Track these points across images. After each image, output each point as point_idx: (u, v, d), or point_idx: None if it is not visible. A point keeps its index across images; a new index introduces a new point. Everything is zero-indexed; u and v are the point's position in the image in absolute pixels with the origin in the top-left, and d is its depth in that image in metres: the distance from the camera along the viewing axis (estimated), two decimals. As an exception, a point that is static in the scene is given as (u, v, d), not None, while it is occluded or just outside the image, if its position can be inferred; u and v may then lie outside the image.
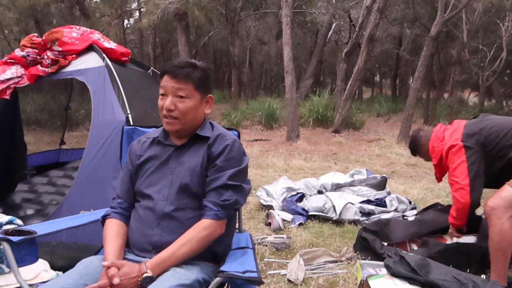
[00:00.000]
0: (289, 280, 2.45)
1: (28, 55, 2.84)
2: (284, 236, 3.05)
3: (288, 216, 3.58)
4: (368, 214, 3.57)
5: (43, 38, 2.91)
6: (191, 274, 1.34)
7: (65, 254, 2.40)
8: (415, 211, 3.59)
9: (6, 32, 15.68)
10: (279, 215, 3.50)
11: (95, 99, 2.69)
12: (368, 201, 3.72)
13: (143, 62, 4.10)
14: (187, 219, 1.45)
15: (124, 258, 1.44)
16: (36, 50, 2.87)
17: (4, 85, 2.76)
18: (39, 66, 2.82)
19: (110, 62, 2.84)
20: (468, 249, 2.53)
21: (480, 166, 2.40)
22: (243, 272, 1.28)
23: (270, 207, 3.85)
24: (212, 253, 1.49)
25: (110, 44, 3.08)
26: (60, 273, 2.14)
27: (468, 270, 2.28)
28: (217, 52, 22.64)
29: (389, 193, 3.98)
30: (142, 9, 15.70)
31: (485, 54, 13.28)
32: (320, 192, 4.07)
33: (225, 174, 1.46)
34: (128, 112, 2.57)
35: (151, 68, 3.75)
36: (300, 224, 3.44)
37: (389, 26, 15.61)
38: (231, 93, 15.32)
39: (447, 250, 2.52)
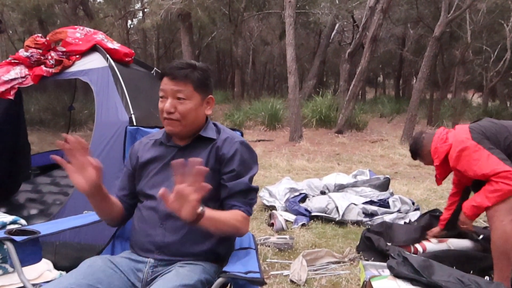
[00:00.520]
0: (291, 281, 2.45)
1: (32, 56, 2.85)
2: (287, 236, 3.05)
3: (291, 217, 3.58)
4: (371, 215, 3.56)
5: (47, 38, 2.92)
6: (194, 274, 1.34)
7: (68, 254, 2.41)
8: (418, 212, 3.59)
9: (10, 32, 15.76)
10: (282, 216, 3.50)
11: (99, 99, 2.70)
12: (371, 202, 3.71)
13: (147, 63, 4.10)
14: (190, 220, 1.45)
15: (127, 258, 1.45)
16: (40, 51, 2.88)
17: (8, 85, 2.77)
18: (43, 67, 2.83)
19: (114, 63, 2.85)
20: (471, 252, 2.53)
21: (500, 152, 2.32)
22: (246, 273, 1.27)
23: (273, 207, 3.85)
24: (215, 254, 1.49)
25: (114, 45, 3.09)
26: (64, 273, 2.14)
27: (471, 272, 2.27)
28: (220, 52, 22.66)
29: (392, 194, 3.97)
30: (145, 10, 15.75)
31: (489, 54, 13.23)
32: (323, 192, 4.06)
33: (246, 177, 1.49)
34: (132, 112, 2.57)
35: (154, 68, 3.76)
36: (303, 225, 3.43)
37: (393, 26, 15.59)
38: (234, 94, 15.34)
39: (450, 252, 2.53)
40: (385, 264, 2.26)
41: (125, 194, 1.60)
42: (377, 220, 3.44)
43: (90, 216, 1.80)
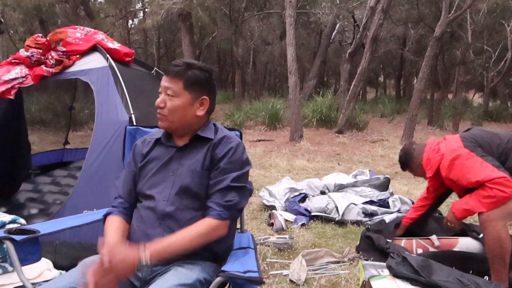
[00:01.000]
0: (291, 281, 2.45)
1: (32, 55, 2.86)
2: (287, 236, 3.05)
3: (291, 217, 3.58)
4: (371, 215, 3.56)
5: (48, 38, 2.92)
6: (193, 273, 1.34)
7: (68, 253, 2.41)
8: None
9: (11, 32, 15.78)
10: (282, 216, 3.50)
11: (99, 99, 2.71)
12: (371, 202, 3.71)
13: (147, 63, 4.11)
14: (188, 220, 1.46)
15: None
16: (41, 51, 2.88)
17: (9, 85, 2.78)
18: (43, 66, 2.84)
19: (114, 63, 2.86)
20: (471, 253, 2.53)
21: (493, 159, 2.31)
22: (244, 272, 1.28)
23: (272, 207, 3.85)
24: (214, 253, 1.49)
25: (114, 45, 3.10)
26: (63, 272, 2.15)
27: (470, 272, 2.27)
28: (221, 52, 22.67)
29: (392, 194, 3.97)
30: (146, 10, 15.76)
31: (490, 54, 13.23)
32: (323, 192, 4.07)
33: (229, 176, 1.46)
34: (131, 112, 2.58)
35: (155, 68, 3.76)
36: (303, 225, 3.44)
37: (393, 26, 15.57)
38: (235, 93, 15.35)
39: (450, 252, 2.53)
40: (384, 264, 2.26)
41: (129, 197, 1.58)
42: (377, 219, 3.44)
43: (90, 216, 1.81)
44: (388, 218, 3.40)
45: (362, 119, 10.65)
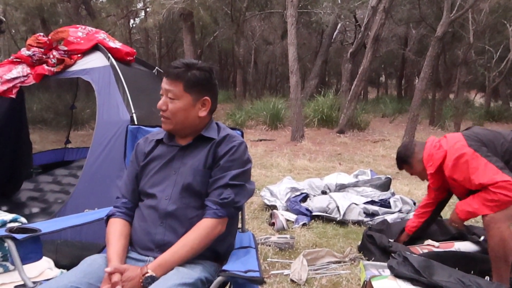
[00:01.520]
0: (292, 280, 2.45)
1: (34, 55, 2.86)
2: (288, 236, 3.05)
3: (292, 216, 3.58)
4: (372, 215, 3.56)
5: (49, 37, 2.92)
6: (194, 273, 1.35)
7: (69, 252, 2.41)
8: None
9: (13, 31, 15.80)
10: (283, 215, 3.50)
11: (100, 98, 2.71)
12: (372, 202, 3.71)
13: (149, 62, 4.11)
14: (190, 218, 1.46)
15: (127, 257, 1.45)
16: (42, 50, 2.89)
17: (10, 84, 2.78)
18: (45, 66, 2.84)
19: (115, 62, 2.86)
20: (472, 254, 2.52)
21: (498, 160, 2.25)
22: (245, 272, 1.28)
23: (274, 207, 3.85)
24: (215, 252, 1.49)
25: (115, 44, 3.10)
26: (65, 271, 2.15)
27: (472, 273, 2.27)
28: (222, 52, 22.66)
29: (393, 194, 3.96)
30: (147, 9, 15.75)
31: (492, 55, 13.19)
32: (324, 192, 4.06)
33: (228, 174, 1.47)
34: (133, 111, 2.58)
35: (156, 67, 3.76)
36: (304, 224, 3.43)
37: (395, 26, 15.57)
38: (236, 93, 15.34)
39: (451, 253, 2.52)
40: (385, 264, 2.26)
41: (133, 196, 1.58)
42: (378, 220, 3.44)
43: (91, 215, 1.80)
44: (389, 218, 3.40)
45: (363, 119, 10.64)
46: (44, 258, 2.07)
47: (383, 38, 13.97)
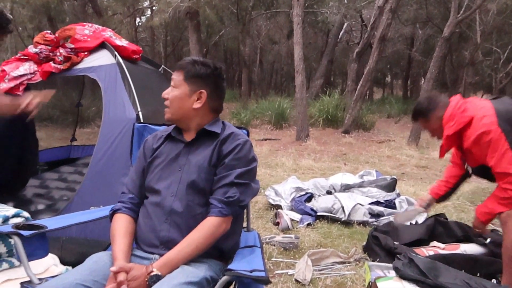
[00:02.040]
0: (296, 280, 2.45)
1: (41, 52, 2.87)
2: (292, 236, 3.04)
3: (297, 216, 3.57)
4: (377, 215, 3.54)
5: (56, 35, 2.93)
6: (199, 272, 1.34)
7: (74, 249, 2.42)
8: (425, 214, 3.55)
9: (20, 29, 15.88)
10: (288, 215, 3.49)
11: (106, 96, 2.71)
12: (377, 203, 3.69)
13: (154, 60, 4.11)
14: (195, 215, 1.46)
15: (133, 255, 1.45)
16: (49, 47, 2.90)
17: (17, 81, 2.79)
18: (51, 63, 2.85)
19: (122, 60, 2.86)
20: (479, 256, 2.50)
21: None
22: (251, 271, 1.27)
23: (278, 206, 3.84)
24: (219, 250, 1.49)
25: (122, 42, 3.10)
26: (70, 268, 2.15)
27: (478, 275, 2.25)
28: (227, 51, 22.66)
29: (398, 195, 3.94)
30: (154, 8, 15.78)
31: (499, 55, 13.10)
32: (329, 192, 4.05)
33: (233, 172, 1.47)
34: (139, 109, 2.58)
35: (162, 66, 3.77)
36: (309, 224, 3.43)
37: (401, 26, 15.49)
38: (241, 92, 15.35)
39: (458, 255, 2.50)
40: (390, 265, 2.25)
41: (140, 192, 1.58)
42: (383, 220, 3.43)
43: (97, 212, 1.81)
44: (394, 219, 3.39)
45: (368, 119, 10.60)
46: (49, 254, 2.08)
47: (389, 38, 13.91)
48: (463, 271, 2.17)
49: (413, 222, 3.32)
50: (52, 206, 3.11)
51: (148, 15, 18.60)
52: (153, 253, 1.44)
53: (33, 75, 2.84)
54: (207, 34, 18.11)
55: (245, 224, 1.78)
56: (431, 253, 2.58)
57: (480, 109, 2.19)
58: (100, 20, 11.99)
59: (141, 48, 3.30)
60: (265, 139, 8.63)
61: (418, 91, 16.75)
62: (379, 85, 29.21)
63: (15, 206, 2.25)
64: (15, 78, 2.80)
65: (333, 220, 3.55)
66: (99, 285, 1.30)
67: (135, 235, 1.52)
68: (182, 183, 1.49)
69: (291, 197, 3.90)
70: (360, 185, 4.13)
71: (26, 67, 2.86)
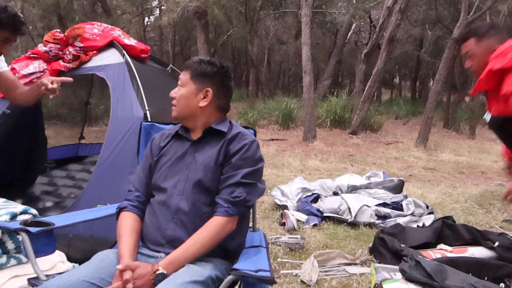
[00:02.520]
0: (302, 281, 2.44)
1: (50, 51, 2.90)
2: (298, 236, 3.04)
3: (303, 217, 3.56)
4: (384, 217, 3.52)
5: (66, 34, 2.96)
6: (205, 271, 1.34)
7: (81, 246, 2.43)
8: (432, 216, 3.54)
9: (30, 27, 16.03)
10: (294, 215, 3.49)
11: (114, 95, 2.73)
12: (384, 204, 3.67)
13: (163, 60, 4.13)
14: (201, 214, 1.46)
15: (139, 253, 1.46)
16: (59, 46, 2.92)
17: (27, 79, 2.82)
18: (60, 61, 2.87)
19: (130, 59, 2.88)
20: (487, 260, 2.48)
21: None
22: (256, 271, 1.27)
23: (284, 207, 3.83)
24: (225, 250, 1.49)
25: (130, 41, 3.12)
26: (76, 265, 2.17)
27: (485, 278, 2.23)
28: (235, 51, 22.68)
29: (406, 197, 3.92)
30: (162, 7, 15.85)
31: (510, 57, 12.92)
32: (335, 193, 4.03)
33: (240, 172, 1.47)
34: (146, 108, 2.59)
35: (170, 65, 3.78)
36: (315, 225, 3.42)
37: (410, 27, 15.38)
38: (249, 92, 15.35)
39: (465, 258, 2.48)
40: (397, 267, 2.23)
41: (147, 190, 1.59)
42: (390, 222, 3.40)
43: (104, 210, 1.82)
44: (401, 221, 3.36)
45: (376, 121, 10.54)
46: (56, 251, 2.09)
47: (398, 39, 13.83)
48: (470, 274, 2.15)
49: (420, 224, 3.31)
50: (60, 203, 3.14)
51: (156, 15, 18.69)
52: (159, 252, 1.45)
53: (42, 73, 2.87)
54: (215, 33, 18.15)
55: (251, 224, 1.78)
56: (438, 256, 2.56)
57: None
58: (109, 19, 12.07)
59: (149, 47, 3.31)
60: (272, 139, 8.62)
61: (427, 92, 16.61)
62: (387, 86, 29.05)
63: (23, 203, 2.28)
64: (25, 76, 2.83)
65: (339, 221, 3.54)
66: (105, 283, 1.30)
67: (141, 234, 1.52)
68: (188, 182, 1.49)
69: (298, 198, 3.89)
70: (367, 186, 4.11)
71: (36, 66, 2.89)
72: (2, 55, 2.13)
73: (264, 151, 6.97)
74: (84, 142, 4.91)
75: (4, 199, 2.16)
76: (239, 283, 1.44)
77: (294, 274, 2.54)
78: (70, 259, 2.27)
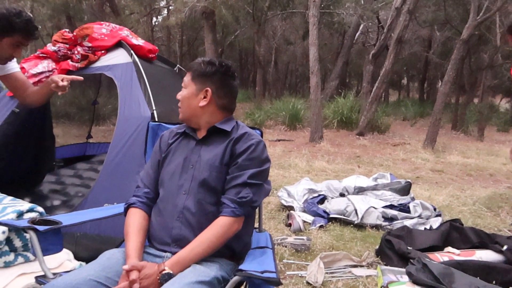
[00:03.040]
0: (308, 282, 2.43)
1: (59, 50, 2.92)
2: (304, 237, 3.03)
3: (309, 218, 3.55)
4: (390, 219, 3.50)
5: (74, 33, 2.98)
6: (210, 271, 1.35)
7: (88, 245, 2.45)
8: (439, 219, 3.51)
9: (40, 27, 16.15)
10: (300, 216, 3.48)
11: (122, 94, 2.74)
12: (391, 206, 3.65)
13: (170, 60, 4.14)
14: (206, 213, 1.47)
15: (145, 252, 1.46)
16: (67, 45, 2.94)
17: (36, 79, 2.84)
18: (69, 61, 2.89)
19: (138, 59, 2.89)
20: (496, 263, 2.45)
21: None
22: (262, 272, 1.27)
23: (291, 208, 3.83)
24: (230, 250, 1.49)
25: (138, 41, 3.13)
26: (83, 263, 2.18)
27: (494, 283, 2.21)
28: (242, 51, 22.71)
29: (413, 199, 3.89)
30: (170, 7, 15.91)
31: (519, 58, 12.81)
32: (342, 195, 4.01)
33: (246, 173, 1.47)
34: (154, 108, 2.60)
35: (177, 65, 3.79)
36: (321, 227, 3.41)
37: (419, 28, 15.28)
38: (256, 92, 15.35)
39: (474, 262, 2.45)
40: (403, 270, 2.22)
41: (155, 187, 1.59)
42: (397, 224, 3.38)
43: (110, 209, 1.83)
44: (408, 223, 3.34)
45: (383, 122, 10.49)
46: (63, 250, 2.11)
47: (406, 40, 13.74)
48: (478, 278, 2.13)
49: (427, 227, 3.28)
50: (67, 202, 3.16)
51: (164, 15, 18.76)
52: (165, 251, 1.45)
53: (51, 73, 2.89)
54: (222, 34, 18.18)
55: (257, 225, 1.78)
56: (446, 259, 2.53)
57: None
58: (117, 19, 12.14)
59: (157, 47, 3.32)
60: (279, 140, 8.62)
61: (435, 94, 16.48)
62: (395, 87, 28.90)
63: (31, 201, 2.29)
64: (34, 75, 2.85)
65: (345, 222, 3.52)
66: (111, 282, 1.31)
67: (147, 233, 1.53)
68: (194, 181, 1.49)
69: (304, 199, 3.88)
70: (374, 188, 4.09)
71: (45, 65, 2.91)
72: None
73: (271, 152, 6.96)
74: (91, 141, 4.94)
75: (11, 197, 2.17)
76: (245, 284, 1.43)
77: (300, 275, 2.54)
78: (77, 257, 2.28)
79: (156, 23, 20.01)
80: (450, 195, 4.66)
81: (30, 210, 2.02)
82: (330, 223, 3.53)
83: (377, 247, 2.93)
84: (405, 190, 4.03)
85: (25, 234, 1.99)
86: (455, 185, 5.23)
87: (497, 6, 8.80)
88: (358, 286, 2.44)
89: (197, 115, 1.57)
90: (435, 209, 3.70)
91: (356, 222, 3.46)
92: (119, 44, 3.01)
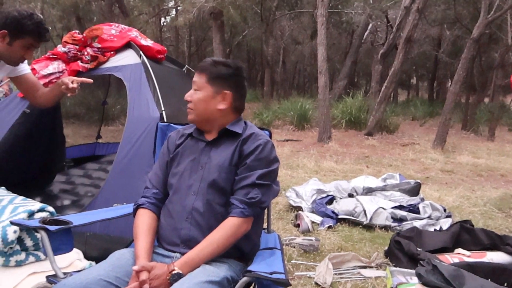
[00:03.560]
0: (316, 283, 2.43)
1: (69, 51, 2.94)
2: (313, 238, 3.02)
3: (317, 218, 3.55)
4: (400, 220, 3.48)
5: (84, 35, 3.00)
6: (220, 271, 1.35)
7: (98, 244, 2.47)
8: (450, 220, 3.47)
9: (50, 28, 16.32)
10: (308, 217, 3.47)
11: (131, 95, 2.76)
12: (400, 207, 3.62)
13: (178, 60, 4.16)
14: (215, 214, 1.47)
15: (154, 253, 1.47)
16: (77, 47, 2.97)
17: (46, 80, 2.87)
18: (79, 62, 2.91)
19: (147, 59, 2.90)
20: (507, 265, 2.42)
21: None
22: (271, 273, 1.27)
23: (299, 208, 3.82)
24: (239, 250, 1.49)
25: (147, 42, 3.15)
26: (93, 263, 2.20)
27: (505, 285, 2.18)
28: (251, 51, 22.72)
29: (422, 200, 3.86)
30: (178, 8, 15.98)
31: (531, 58, 12.63)
32: (350, 195, 4.00)
33: (255, 173, 1.47)
34: (163, 109, 2.61)
35: (186, 66, 3.80)
36: (329, 227, 3.39)
37: (428, 27, 15.13)
38: (264, 92, 15.36)
39: (485, 264, 2.43)
40: (413, 271, 2.21)
41: (164, 187, 1.60)
42: (406, 225, 3.36)
43: (120, 209, 1.84)
44: (418, 224, 3.32)
45: (392, 122, 10.42)
46: (74, 249, 2.13)
47: (416, 39, 13.62)
48: (489, 280, 2.11)
49: (437, 228, 3.25)
50: (77, 201, 3.19)
51: (173, 15, 18.85)
52: (174, 252, 1.46)
53: (61, 74, 2.91)
54: (230, 34, 18.20)
55: (265, 225, 1.78)
56: (456, 260, 2.51)
57: None
58: (126, 20, 12.21)
59: (165, 48, 3.34)
60: (287, 140, 8.61)
61: (445, 93, 16.35)
62: (404, 87, 28.70)
63: (42, 201, 2.32)
64: (44, 76, 2.88)
65: (354, 223, 3.51)
66: (121, 282, 1.32)
67: (157, 233, 1.54)
68: (203, 182, 1.50)
69: (312, 199, 3.87)
70: (383, 188, 4.07)
71: (55, 66, 2.94)
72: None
73: (279, 152, 6.95)
74: (101, 141, 4.98)
75: (22, 197, 2.20)
76: (253, 284, 1.44)
77: (308, 276, 2.53)
78: (86, 256, 2.30)
79: (165, 23, 20.12)
80: (460, 196, 4.62)
81: (41, 210, 2.04)
82: (338, 223, 3.51)
83: (386, 248, 2.91)
84: (414, 190, 4.00)
85: (36, 233, 2.01)
86: (465, 186, 5.18)
87: (508, 4, 8.69)
88: (367, 287, 2.43)
89: (214, 118, 1.56)
90: (445, 210, 3.67)
91: (365, 222, 3.44)
92: (128, 45, 3.03)
